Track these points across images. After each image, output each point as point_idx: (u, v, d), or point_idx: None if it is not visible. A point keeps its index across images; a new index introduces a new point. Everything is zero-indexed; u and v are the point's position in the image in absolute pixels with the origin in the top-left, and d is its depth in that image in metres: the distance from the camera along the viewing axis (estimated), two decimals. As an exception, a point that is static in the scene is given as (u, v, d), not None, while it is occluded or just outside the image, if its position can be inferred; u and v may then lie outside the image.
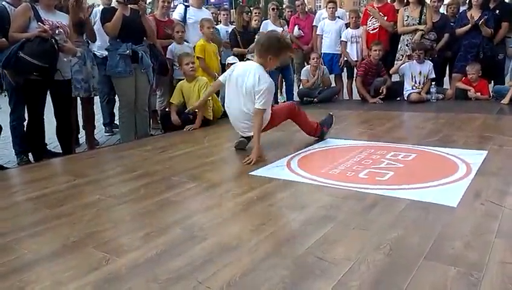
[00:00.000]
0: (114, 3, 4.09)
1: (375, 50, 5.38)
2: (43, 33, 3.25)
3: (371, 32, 5.77)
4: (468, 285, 1.25)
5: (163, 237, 1.69)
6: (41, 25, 3.28)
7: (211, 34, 4.81)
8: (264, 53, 2.96)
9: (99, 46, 4.46)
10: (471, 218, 1.74)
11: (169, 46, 4.78)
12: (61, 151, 3.75)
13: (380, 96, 5.47)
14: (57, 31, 3.41)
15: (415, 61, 5.32)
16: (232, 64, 4.97)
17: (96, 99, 4.66)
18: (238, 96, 3.01)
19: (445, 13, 5.89)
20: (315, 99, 5.68)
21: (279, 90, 6.90)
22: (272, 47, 2.95)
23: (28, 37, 3.25)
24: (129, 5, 3.93)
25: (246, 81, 2.94)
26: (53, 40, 3.32)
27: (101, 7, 4.41)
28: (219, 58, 5.14)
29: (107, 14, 3.95)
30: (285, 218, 1.83)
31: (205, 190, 2.33)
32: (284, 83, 6.69)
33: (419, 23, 5.45)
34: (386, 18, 5.68)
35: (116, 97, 4.57)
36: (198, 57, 4.66)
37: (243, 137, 3.19)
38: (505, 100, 4.75)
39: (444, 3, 6.30)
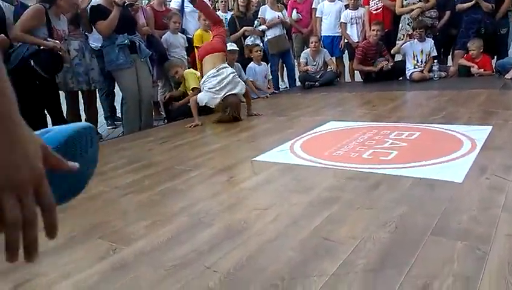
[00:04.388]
0: (101, 1, 4.06)
1: (374, 30, 5.32)
2: (57, 49, 3.28)
3: (374, 12, 5.69)
4: (475, 258, 1.24)
5: (169, 225, 1.70)
6: (57, 41, 3.33)
7: (207, 25, 4.78)
8: None
9: (94, 39, 4.42)
10: (477, 193, 1.73)
11: (164, 36, 4.75)
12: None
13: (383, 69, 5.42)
14: (62, 41, 3.44)
15: (416, 40, 5.25)
16: (230, 50, 4.96)
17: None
18: None
19: None
20: (317, 83, 5.64)
21: (279, 76, 6.86)
22: None
23: (40, 44, 3.25)
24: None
25: None
26: (60, 53, 3.36)
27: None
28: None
29: (96, 13, 3.91)
30: (290, 201, 1.82)
31: (209, 177, 2.33)
32: (285, 68, 6.64)
33: (420, 1, 5.37)
34: (389, -2, 5.59)
35: (116, 90, 4.56)
36: (196, 47, 4.66)
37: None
38: (509, 75, 4.69)
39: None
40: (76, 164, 0.53)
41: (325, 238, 1.45)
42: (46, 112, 3.63)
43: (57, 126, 0.61)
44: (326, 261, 1.30)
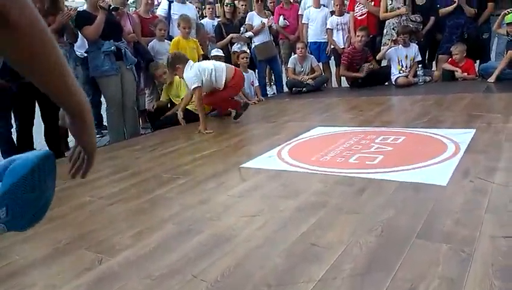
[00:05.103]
0: (86, 7, 4.06)
1: (359, 36, 5.39)
2: None
3: (359, 18, 5.77)
4: (459, 261, 1.26)
5: (156, 233, 1.69)
6: None
7: (187, 33, 4.79)
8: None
9: (79, 46, 4.39)
10: (461, 195, 1.75)
11: (150, 43, 4.75)
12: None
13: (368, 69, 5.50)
14: None
15: (400, 45, 5.33)
16: (215, 56, 4.98)
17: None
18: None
19: None
20: (304, 88, 5.68)
21: (267, 82, 6.88)
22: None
23: None
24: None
25: None
26: None
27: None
28: (201, 52, 5.07)
29: (82, 18, 3.89)
30: (278, 207, 1.83)
31: (197, 184, 2.32)
32: (272, 74, 6.67)
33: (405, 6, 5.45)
34: (373, 3, 5.67)
35: (102, 98, 4.53)
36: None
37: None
38: (492, 78, 4.78)
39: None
40: None
41: (312, 244, 1.45)
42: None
43: (20, 156, 0.63)
44: (313, 266, 1.31)
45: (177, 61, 3.87)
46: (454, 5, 5.20)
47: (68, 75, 0.64)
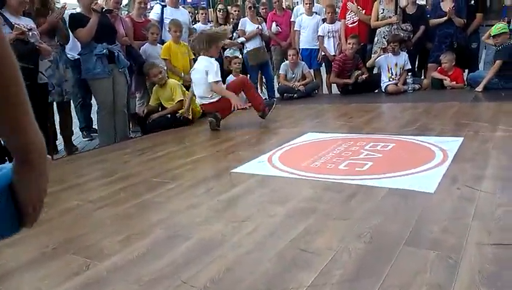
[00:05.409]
0: (80, 9, 4.05)
1: (350, 43, 5.45)
2: (21, 35, 3.20)
3: (350, 26, 5.82)
4: (447, 267, 1.27)
5: (144, 238, 1.67)
6: (19, 27, 3.23)
7: (178, 37, 4.80)
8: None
9: (70, 48, 4.36)
10: (449, 203, 1.77)
11: (143, 47, 4.73)
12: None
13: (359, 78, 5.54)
14: (30, 34, 3.36)
15: (390, 53, 5.39)
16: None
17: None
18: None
19: (424, 3, 5.97)
20: (295, 95, 5.71)
21: (259, 87, 6.90)
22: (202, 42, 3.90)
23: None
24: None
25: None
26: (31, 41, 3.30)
27: (69, 12, 4.30)
28: (192, 57, 5.07)
29: (76, 20, 3.88)
30: (268, 213, 1.83)
31: (187, 189, 2.31)
32: (264, 80, 6.69)
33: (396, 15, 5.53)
34: (364, 11, 5.74)
35: (94, 101, 4.50)
36: (164, 59, 4.70)
37: (211, 118, 3.89)
38: (479, 88, 4.86)
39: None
40: None
41: (302, 250, 1.46)
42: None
43: (3, 166, 0.64)
44: (303, 272, 1.31)
45: (213, 41, 3.94)
46: (445, 18, 5.29)
47: (26, 111, 0.53)
